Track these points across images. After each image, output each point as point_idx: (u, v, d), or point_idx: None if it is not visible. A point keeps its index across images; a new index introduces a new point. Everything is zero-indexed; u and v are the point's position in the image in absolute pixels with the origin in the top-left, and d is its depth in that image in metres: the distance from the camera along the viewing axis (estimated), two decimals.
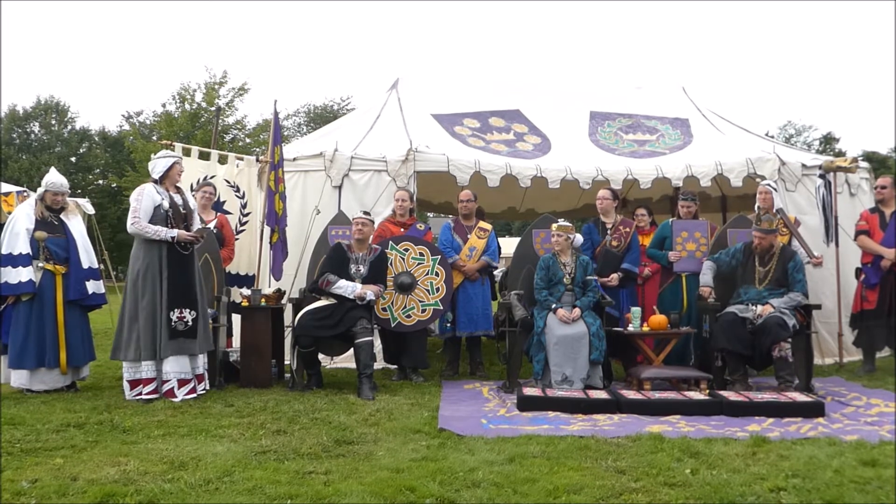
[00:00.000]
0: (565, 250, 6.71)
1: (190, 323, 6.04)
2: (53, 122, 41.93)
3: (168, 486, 3.59)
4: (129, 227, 5.93)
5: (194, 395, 6.00)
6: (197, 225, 6.29)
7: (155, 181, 6.14)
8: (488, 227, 7.67)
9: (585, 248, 7.32)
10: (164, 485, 3.61)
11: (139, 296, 5.96)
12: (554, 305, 6.50)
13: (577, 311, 6.46)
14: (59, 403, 5.73)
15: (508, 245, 14.64)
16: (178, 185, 6.28)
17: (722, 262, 6.65)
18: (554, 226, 6.76)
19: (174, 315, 5.97)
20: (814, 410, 5.31)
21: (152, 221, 5.96)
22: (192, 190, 7.66)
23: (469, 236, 7.52)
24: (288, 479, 3.71)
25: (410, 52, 77.29)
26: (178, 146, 7.95)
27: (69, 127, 42.52)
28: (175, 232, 5.98)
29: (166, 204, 6.02)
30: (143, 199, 5.94)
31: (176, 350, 5.96)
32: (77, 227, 6.63)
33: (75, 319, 6.42)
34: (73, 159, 40.41)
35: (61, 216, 6.54)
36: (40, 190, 6.51)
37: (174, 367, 5.95)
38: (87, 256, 6.56)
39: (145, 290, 5.94)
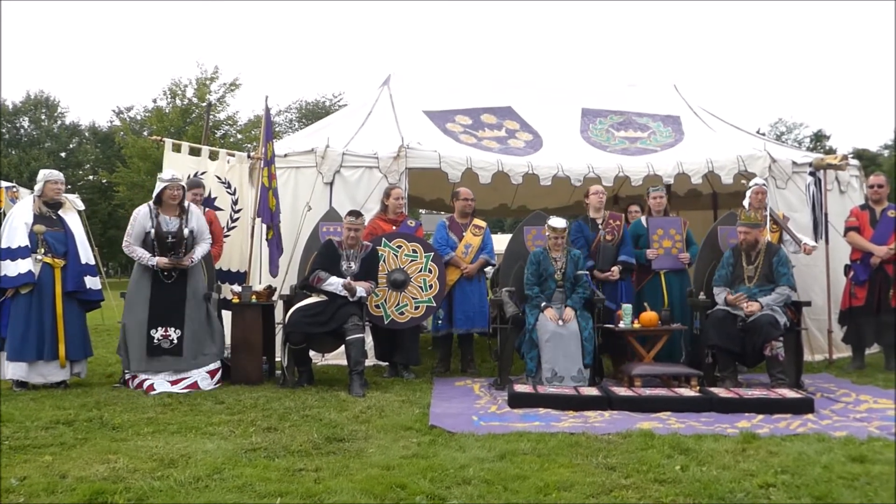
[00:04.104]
0: (560, 247, 6.70)
1: (175, 341, 6.29)
2: (43, 117, 41.76)
3: (157, 484, 3.57)
4: (123, 248, 6.43)
5: (193, 389, 6.23)
6: (201, 248, 6.55)
7: (152, 204, 6.48)
8: (483, 224, 7.68)
9: (579, 246, 7.33)
10: (153, 482, 3.60)
11: (128, 308, 6.42)
12: (543, 304, 6.50)
13: (569, 311, 6.46)
14: (48, 400, 5.71)
15: (500, 242, 14.65)
16: (185, 204, 6.54)
17: (724, 276, 6.62)
18: (549, 225, 6.72)
19: (157, 333, 6.28)
20: (803, 407, 5.34)
21: (141, 245, 6.39)
22: None
23: (464, 234, 7.53)
24: (278, 477, 3.71)
25: (402, 49, 77.23)
26: (169, 142, 7.91)
27: (59, 122, 42.36)
28: (155, 260, 6.33)
29: (153, 232, 6.35)
30: (136, 225, 6.37)
31: (157, 368, 6.28)
32: (74, 223, 6.71)
33: (73, 313, 6.48)
34: (62, 154, 40.26)
35: (59, 212, 6.61)
36: (38, 185, 6.56)
37: (153, 377, 6.29)
38: (85, 252, 6.64)
39: (134, 305, 6.38)
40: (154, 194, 6.49)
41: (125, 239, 6.40)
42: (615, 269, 7.20)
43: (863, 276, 7.38)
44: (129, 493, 3.45)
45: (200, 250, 6.55)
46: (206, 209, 7.45)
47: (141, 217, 6.42)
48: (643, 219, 7.60)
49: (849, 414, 5.30)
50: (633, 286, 7.45)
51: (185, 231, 6.45)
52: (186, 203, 6.59)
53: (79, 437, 4.55)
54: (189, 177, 7.66)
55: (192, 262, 6.46)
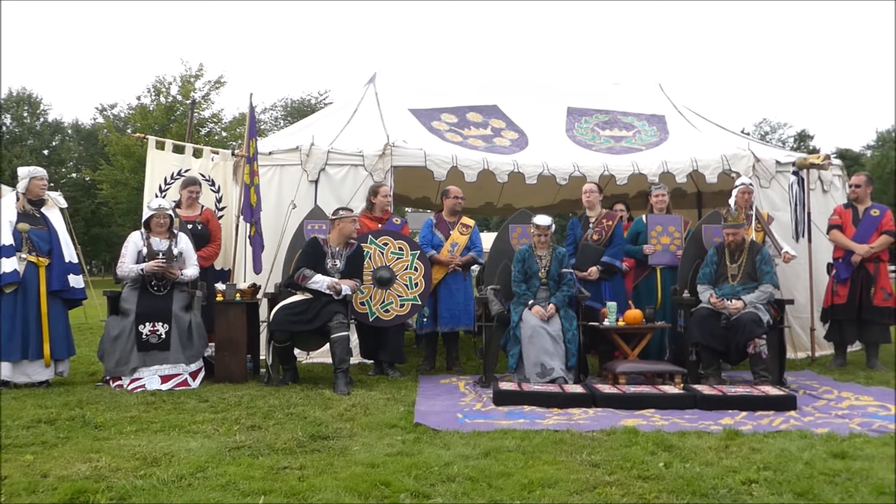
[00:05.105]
0: (544, 245, 6.71)
1: (163, 336, 6.34)
2: (25, 114, 41.36)
3: (140, 483, 3.55)
4: (117, 271, 6.65)
5: (184, 387, 6.27)
6: (191, 270, 6.67)
7: (143, 226, 6.71)
8: (471, 222, 7.68)
9: (568, 243, 7.34)
10: (136, 481, 3.57)
11: (116, 319, 6.47)
12: (531, 302, 6.51)
13: (552, 307, 6.48)
14: (30, 399, 5.66)
15: (486, 240, 14.68)
16: (174, 230, 6.68)
17: (708, 275, 6.65)
18: (534, 223, 6.72)
19: (146, 328, 6.33)
20: (786, 404, 5.38)
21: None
22: (166, 183, 7.61)
23: (451, 232, 7.53)
24: (262, 475, 3.69)
25: (388, 47, 77.12)
26: (152, 139, 7.86)
27: (41, 119, 42.02)
28: (143, 265, 6.48)
29: (144, 251, 6.56)
30: (129, 247, 6.63)
31: (147, 363, 6.31)
32: (57, 220, 6.67)
33: (57, 312, 6.45)
34: (45, 152, 39.95)
35: (42, 210, 6.57)
36: (23, 182, 6.51)
37: (145, 373, 6.30)
38: (68, 250, 6.60)
39: (124, 314, 6.44)
40: (143, 220, 6.76)
41: (119, 261, 6.59)
42: (593, 269, 7.22)
43: (845, 275, 7.44)
44: (111, 492, 3.42)
45: (190, 272, 6.67)
46: (205, 207, 7.43)
47: (134, 239, 6.66)
48: (644, 216, 7.63)
49: (830, 411, 5.34)
50: (623, 286, 7.47)
51: (175, 250, 6.61)
52: (175, 230, 6.72)
53: (60, 436, 4.51)
54: (174, 174, 7.63)
55: (182, 275, 6.56)
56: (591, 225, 7.41)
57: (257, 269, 7.28)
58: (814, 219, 7.99)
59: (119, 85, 72.16)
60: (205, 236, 7.22)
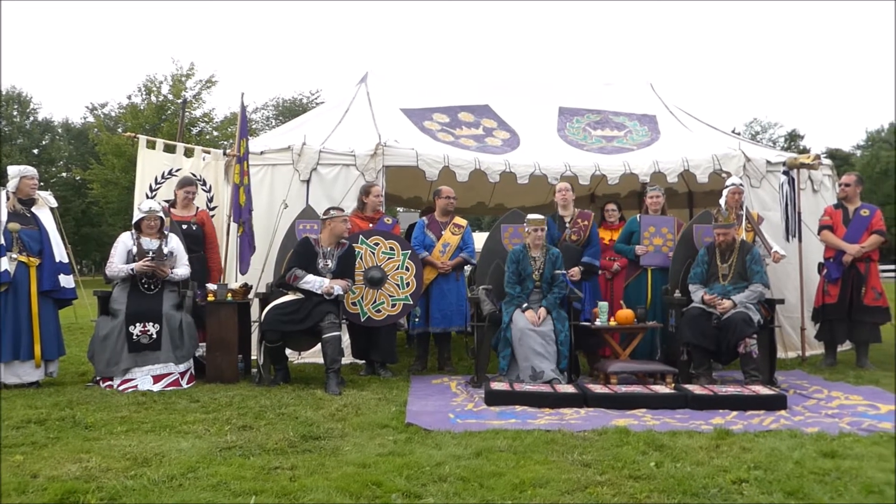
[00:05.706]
0: (539, 245, 6.71)
1: (154, 336, 6.31)
2: (15, 113, 41.13)
3: (131, 483, 3.54)
4: (106, 271, 6.64)
5: (175, 386, 6.23)
6: (182, 270, 6.64)
7: (133, 227, 6.71)
8: (463, 222, 7.67)
9: None
10: (126, 481, 3.56)
11: (106, 320, 6.44)
12: (525, 305, 6.51)
13: (542, 311, 6.48)
14: (19, 399, 5.63)
15: (478, 240, 14.68)
16: (164, 230, 6.65)
17: (699, 274, 6.67)
18: (528, 220, 6.72)
19: (136, 329, 6.30)
20: (776, 403, 5.39)
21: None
22: (157, 182, 7.58)
23: (443, 232, 7.52)
24: (253, 475, 3.68)
25: (380, 47, 77.06)
26: (143, 138, 7.82)
27: (31, 118, 41.77)
28: (132, 265, 6.44)
29: (135, 250, 6.52)
30: (119, 247, 6.60)
31: (139, 363, 6.28)
32: (47, 220, 6.63)
33: (48, 312, 6.41)
34: (35, 151, 39.71)
35: (32, 209, 6.53)
36: (13, 182, 6.46)
37: (137, 374, 6.27)
38: (59, 250, 6.57)
39: (114, 314, 6.42)
40: (133, 222, 6.74)
41: (109, 262, 6.55)
42: (575, 269, 7.23)
43: (836, 274, 7.47)
44: (101, 492, 3.41)
45: (181, 272, 6.63)
46: (200, 209, 7.41)
47: (124, 240, 6.62)
48: (638, 216, 7.65)
49: (821, 410, 5.36)
50: (599, 286, 7.51)
51: (165, 249, 6.58)
52: (165, 230, 6.69)
53: (51, 436, 4.50)
54: (164, 174, 7.60)
55: (171, 273, 6.53)
56: (566, 225, 7.44)
57: (243, 269, 7.26)
58: (804, 218, 8.02)
59: (110, 84, 71.89)
60: (199, 237, 7.19)
